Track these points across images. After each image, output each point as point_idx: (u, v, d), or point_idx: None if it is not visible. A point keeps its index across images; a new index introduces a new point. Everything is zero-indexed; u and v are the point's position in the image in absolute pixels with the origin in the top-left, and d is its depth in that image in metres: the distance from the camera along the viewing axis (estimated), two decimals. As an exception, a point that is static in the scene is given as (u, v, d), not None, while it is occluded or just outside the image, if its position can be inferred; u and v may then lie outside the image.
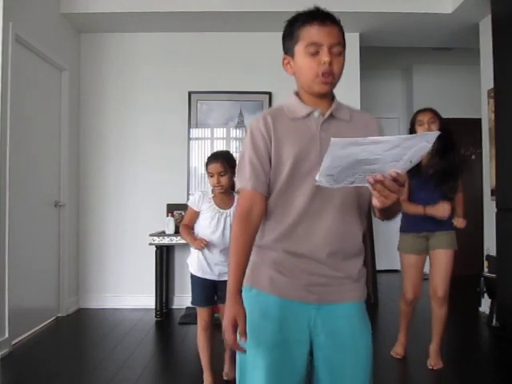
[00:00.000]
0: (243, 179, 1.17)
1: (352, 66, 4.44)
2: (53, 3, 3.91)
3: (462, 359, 2.99)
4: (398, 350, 2.99)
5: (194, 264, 2.52)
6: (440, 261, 2.81)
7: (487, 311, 3.81)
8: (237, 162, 1.25)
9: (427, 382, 2.77)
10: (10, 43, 3.15)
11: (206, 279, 2.48)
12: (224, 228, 2.43)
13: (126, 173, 4.47)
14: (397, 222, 5.75)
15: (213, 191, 2.53)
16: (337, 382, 1.16)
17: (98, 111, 4.49)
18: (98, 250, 4.43)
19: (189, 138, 4.48)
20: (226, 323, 1.12)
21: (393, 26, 4.27)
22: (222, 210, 2.46)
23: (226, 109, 4.51)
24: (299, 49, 1.17)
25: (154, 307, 4.00)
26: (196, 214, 2.49)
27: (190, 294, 4.36)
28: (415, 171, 2.81)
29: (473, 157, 5.85)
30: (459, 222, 2.83)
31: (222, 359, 2.73)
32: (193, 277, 2.55)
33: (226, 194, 2.48)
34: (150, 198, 4.41)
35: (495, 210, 3.28)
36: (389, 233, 6.31)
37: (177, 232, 4.01)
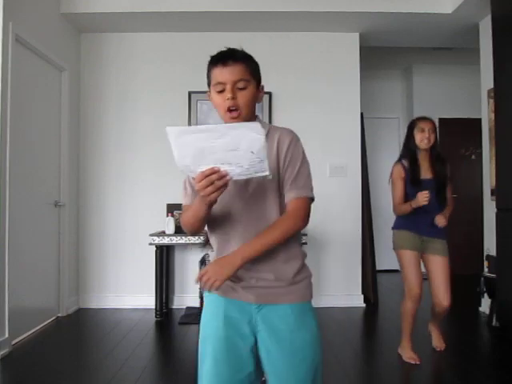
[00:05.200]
0: (185, 197, 1.40)
1: (352, 66, 4.44)
2: (53, 3, 3.91)
3: (462, 359, 2.98)
4: (411, 355, 2.90)
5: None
6: (440, 269, 2.86)
7: (487, 311, 3.81)
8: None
9: (427, 381, 2.78)
10: (10, 43, 3.15)
11: None
12: None
13: (125, 173, 4.47)
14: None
15: None
16: (277, 374, 1.30)
17: (98, 111, 4.49)
18: (97, 250, 4.43)
19: (189, 138, 4.47)
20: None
21: (393, 26, 4.27)
22: None
23: (226, 109, 4.50)
24: (212, 87, 1.35)
25: (154, 307, 4.01)
26: None
27: (190, 294, 4.42)
28: (411, 179, 2.86)
29: (473, 157, 5.86)
30: (440, 219, 2.80)
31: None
32: None
33: None
34: (150, 198, 4.41)
35: (495, 210, 3.28)
36: (389, 233, 6.30)
37: (177, 232, 4.02)
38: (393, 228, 3.02)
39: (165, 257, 4.25)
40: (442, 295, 2.83)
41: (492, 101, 3.65)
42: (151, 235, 4.00)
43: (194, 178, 1.18)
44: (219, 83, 1.31)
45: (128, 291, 4.37)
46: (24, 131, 3.43)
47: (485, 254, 4.11)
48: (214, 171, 1.11)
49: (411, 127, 2.93)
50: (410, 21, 4.14)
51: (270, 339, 1.30)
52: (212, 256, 1.40)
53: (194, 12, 4.02)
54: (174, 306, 4.39)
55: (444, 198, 2.90)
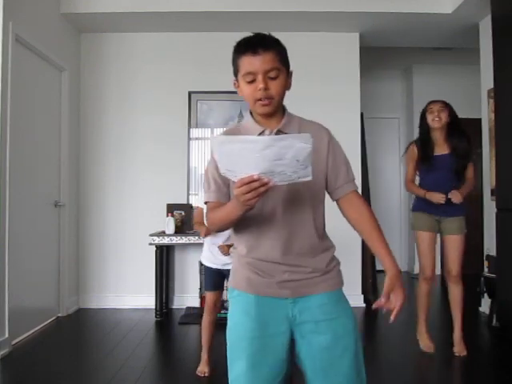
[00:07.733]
0: (208, 192, 1.31)
1: (352, 66, 4.43)
2: (53, 3, 3.91)
3: (462, 359, 2.98)
4: (426, 343, 3.05)
5: (204, 256, 2.77)
6: (453, 246, 3.05)
7: (487, 311, 3.81)
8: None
9: (427, 381, 2.78)
10: (10, 43, 3.15)
11: (212, 268, 2.71)
12: None
13: (125, 173, 4.47)
14: (399, 220, 5.75)
15: None
16: (319, 367, 1.26)
17: (98, 111, 4.49)
18: (98, 250, 4.43)
19: (189, 138, 4.48)
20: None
21: (393, 26, 4.27)
22: None
23: (226, 109, 4.50)
24: (240, 77, 1.28)
25: (154, 307, 4.01)
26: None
27: (190, 294, 4.43)
28: (424, 156, 3.03)
29: (473, 157, 5.84)
30: (454, 194, 2.91)
31: (221, 356, 2.73)
32: (204, 267, 2.79)
33: None
34: (150, 198, 4.41)
35: (495, 210, 3.28)
36: (388, 233, 6.30)
37: (177, 232, 4.02)
38: (411, 210, 3.21)
39: (165, 257, 4.25)
40: (452, 264, 3.04)
41: (492, 101, 3.65)
42: (151, 235, 4.00)
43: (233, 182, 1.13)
44: (249, 73, 1.24)
45: (128, 291, 4.37)
46: (24, 131, 3.43)
47: (485, 253, 4.11)
48: (253, 179, 1.05)
49: (424, 110, 3.11)
50: (410, 21, 4.13)
51: (310, 331, 1.26)
52: (237, 252, 1.34)
53: (194, 12, 4.02)
54: (173, 306, 4.38)
55: (462, 176, 3.03)
